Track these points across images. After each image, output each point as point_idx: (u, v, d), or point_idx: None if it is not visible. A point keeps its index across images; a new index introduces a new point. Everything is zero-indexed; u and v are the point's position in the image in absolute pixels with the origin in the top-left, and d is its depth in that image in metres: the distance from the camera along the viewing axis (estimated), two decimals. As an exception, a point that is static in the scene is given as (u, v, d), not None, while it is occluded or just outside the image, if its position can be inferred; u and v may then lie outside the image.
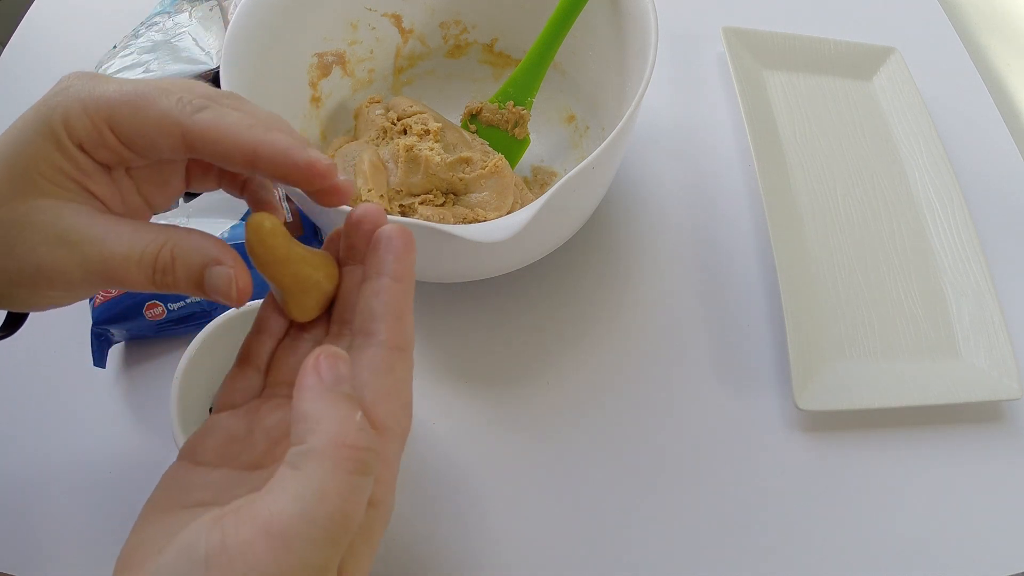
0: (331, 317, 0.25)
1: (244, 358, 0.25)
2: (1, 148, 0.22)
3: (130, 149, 0.23)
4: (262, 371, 0.25)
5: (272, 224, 0.22)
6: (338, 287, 0.24)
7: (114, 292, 0.42)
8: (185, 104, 0.22)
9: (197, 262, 0.22)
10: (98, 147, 0.22)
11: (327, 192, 0.23)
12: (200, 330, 0.36)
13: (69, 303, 0.24)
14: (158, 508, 0.21)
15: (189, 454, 0.23)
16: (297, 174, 0.22)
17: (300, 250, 0.23)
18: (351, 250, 0.24)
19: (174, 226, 0.22)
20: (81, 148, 0.22)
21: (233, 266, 0.22)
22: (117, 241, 0.22)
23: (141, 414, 0.43)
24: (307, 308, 0.24)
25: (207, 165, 0.27)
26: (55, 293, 0.23)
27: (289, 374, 0.24)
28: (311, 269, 0.23)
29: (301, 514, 0.18)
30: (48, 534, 0.39)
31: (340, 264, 0.25)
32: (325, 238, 0.44)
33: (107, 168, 0.23)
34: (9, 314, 0.30)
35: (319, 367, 0.20)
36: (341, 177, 0.23)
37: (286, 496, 0.18)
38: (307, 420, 0.19)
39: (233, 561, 0.17)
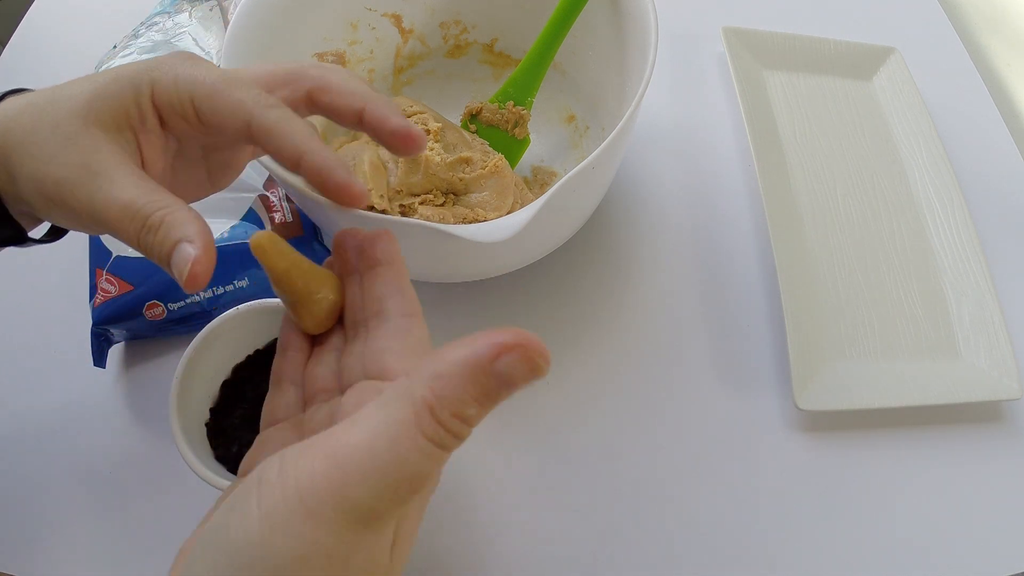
0: (345, 325, 0.26)
1: (277, 379, 0.26)
2: (98, 80, 0.25)
3: (204, 124, 0.25)
4: (298, 384, 0.26)
5: (269, 241, 0.24)
6: (343, 298, 0.26)
7: (113, 292, 0.42)
8: (259, 100, 0.24)
9: (175, 235, 0.23)
10: (175, 116, 0.25)
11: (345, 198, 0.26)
12: (200, 330, 0.36)
13: (70, 228, 0.27)
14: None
15: (247, 470, 0.24)
16: (332, 190, 0.25)
17: (304, 265, 0.25)
18: (345, 266, 0.26)
19: (181, 201, 0.24)
20: (159, 114, 0.25)
21: (199, 250, 0.23)
22: (129, 189, 0.24)
23: (141, 414, 0.43)
24: (316, 319, 0.25)
25: None
26: (59, 213, 0.25)
27: (323, 382, 0.25)
28: (315, 281, 0.25)
29: (367, 447, 0.17)
30: (48, 534, 0.39)
31: (342, 277, 0.26)
32: (326, 242, 0.44)
33: (177, 141, 0.26)
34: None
35: (511, 351, 0.17)
36: (360, 186, 0.25)
37: (359, 428, 0.18)
38: (433, 367, 0.18)
39: (286, 479, 0.17)
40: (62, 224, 0.27)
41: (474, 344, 0.18)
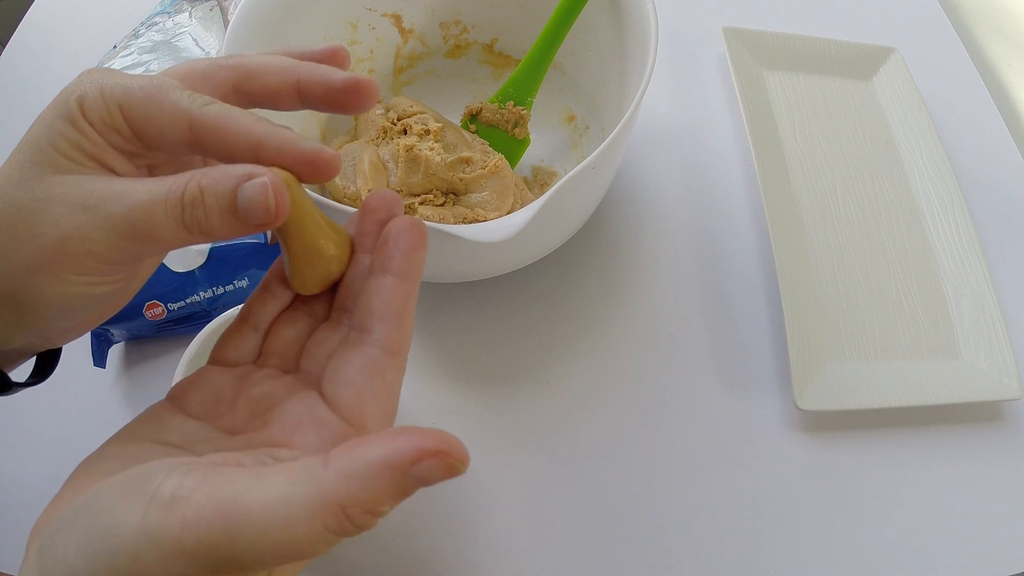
0: (334, 300, 0.24)
1: (245, 316, 0.24)
2: (25, 136, 0.23)
3: (139, 137, 0.22)
4: (261, 332, 0.24)
5: (288, 179, 0.21)
6: (345, 270, 0.24)
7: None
8: (195, 99, 0.22)
9: (228, 185, 0.20)
10: (110, 130, 0.22)
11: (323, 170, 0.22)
12: (200, 330, 0.36)
13: (96, 293, 0.23)
14: (132, 436, 0.21)
15: (175, 398, 0.23)
16: (303, 165, 0.22)
17: (318, 218, 0.22)
18: (363, 237, 0.24)
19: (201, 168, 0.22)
20: (94, 129, 0.22)
21: (268, 174, 0.20)
22: (139, 190, 0.21)
23: (141, 414, 0.43)
24: (310, 282, 0.23)
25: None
26: (80, 277, 0.22)
27: (283, 346, 0.24)
28: (324, 241, 0.23)
29: (260, 518, 0.17)
30: (48, 534, 0.39)
31: (353, 249, 0.24)
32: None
33: (125, 155, 0.23)
34: (39, 359, 0.29)
35: (426, 459, 0.18)
36: (334, 155, 0.22)
37: (262, 492, 0.17)
38: (349, 461, 0.18)
39: (173, 511, 0.17)
40: (78, 295, 0.22)
41: (394, 444, 0.18)
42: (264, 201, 0.20)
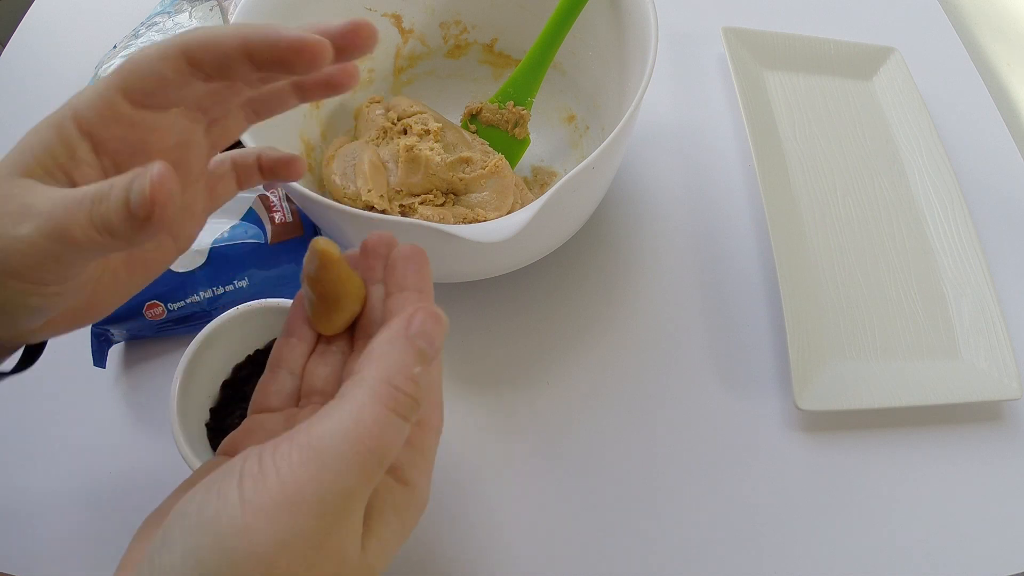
0: (355, 332, 0.26)
1: (277, 363, 0.26)
2: (23, 138, 0.23)
3: (144, 103, 0.23)
4: (296, 375, 0.26)
5: (335, 250, 0.24)
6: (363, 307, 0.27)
7: (114, 292, 0.42)
8: (178, 35, 0.23)
9: (129, 178, 0.19)
10: (110, 122, 0.22)
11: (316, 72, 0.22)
12: (200, 330, 0.36)
13: (31, 304, 0.22)
14: (196, 481, 0.22)
15: (230, 450, 0.24)
16: (290, 53, 0.21)
17: (346, 268, 0.25)
18: (369, 271, 0.26)
19: None
20: (93, 138, 0.22)
21: (159, 166, 0.19)
22: (70, 193, 0.21)
23: (141, 414, 0.43)
24: (339, 323, 0.26)
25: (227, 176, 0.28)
26: (12, 282, 0.21)
27: (321, 383, 0.25)
28: (349, 286, 0.25)
29: (337, 432, 0.19)
30: (48, 534, 0.39)
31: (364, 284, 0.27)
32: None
33: (115, 166, 0.23)
34: (26, 349, 0.29)
35: (413, 317, 0.21)
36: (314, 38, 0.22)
37: (328, 419, 0.19)
38: (370, 355, 0.21)
39: (266, 472, 0.19)
40: (29, 290, 0.22)
41: (390, 324, 0.22)
42: (142, 189, 0.19)
